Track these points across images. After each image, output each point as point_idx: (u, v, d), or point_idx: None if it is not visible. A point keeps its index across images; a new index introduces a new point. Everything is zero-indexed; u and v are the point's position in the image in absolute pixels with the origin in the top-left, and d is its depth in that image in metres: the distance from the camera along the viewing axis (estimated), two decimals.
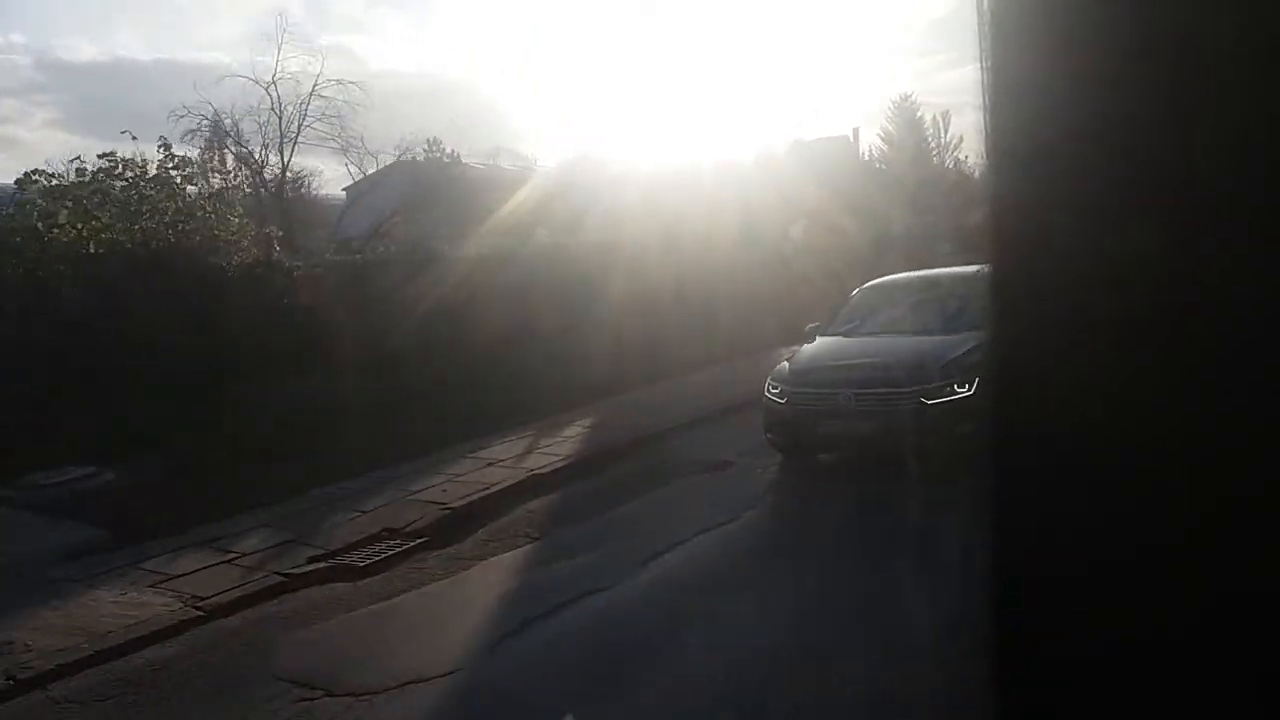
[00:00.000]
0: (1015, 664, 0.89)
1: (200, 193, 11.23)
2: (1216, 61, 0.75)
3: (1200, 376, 0.78)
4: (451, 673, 4.37)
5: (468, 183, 28.34)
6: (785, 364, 7.02)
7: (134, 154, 11.02)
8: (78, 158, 10.61)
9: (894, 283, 8.16)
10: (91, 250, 10.08)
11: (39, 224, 9.70)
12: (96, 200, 10.44)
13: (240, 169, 19.88)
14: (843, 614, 4.59)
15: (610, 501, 6.81)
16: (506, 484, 7.13)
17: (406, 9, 57.64)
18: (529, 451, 8.14)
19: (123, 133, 11.25)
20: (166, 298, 9.75)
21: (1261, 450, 0.76)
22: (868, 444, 6.29)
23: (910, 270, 8.93)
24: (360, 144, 18.86)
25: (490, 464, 7.75)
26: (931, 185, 28.68)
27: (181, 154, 11.21)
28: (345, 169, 20.17)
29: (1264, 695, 0.78)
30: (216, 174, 22.02)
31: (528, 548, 6.04)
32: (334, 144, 18.30)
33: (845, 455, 6.49)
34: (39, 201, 10.10)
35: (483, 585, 5.50)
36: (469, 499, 6.84)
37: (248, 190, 23.23)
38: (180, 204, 10.61)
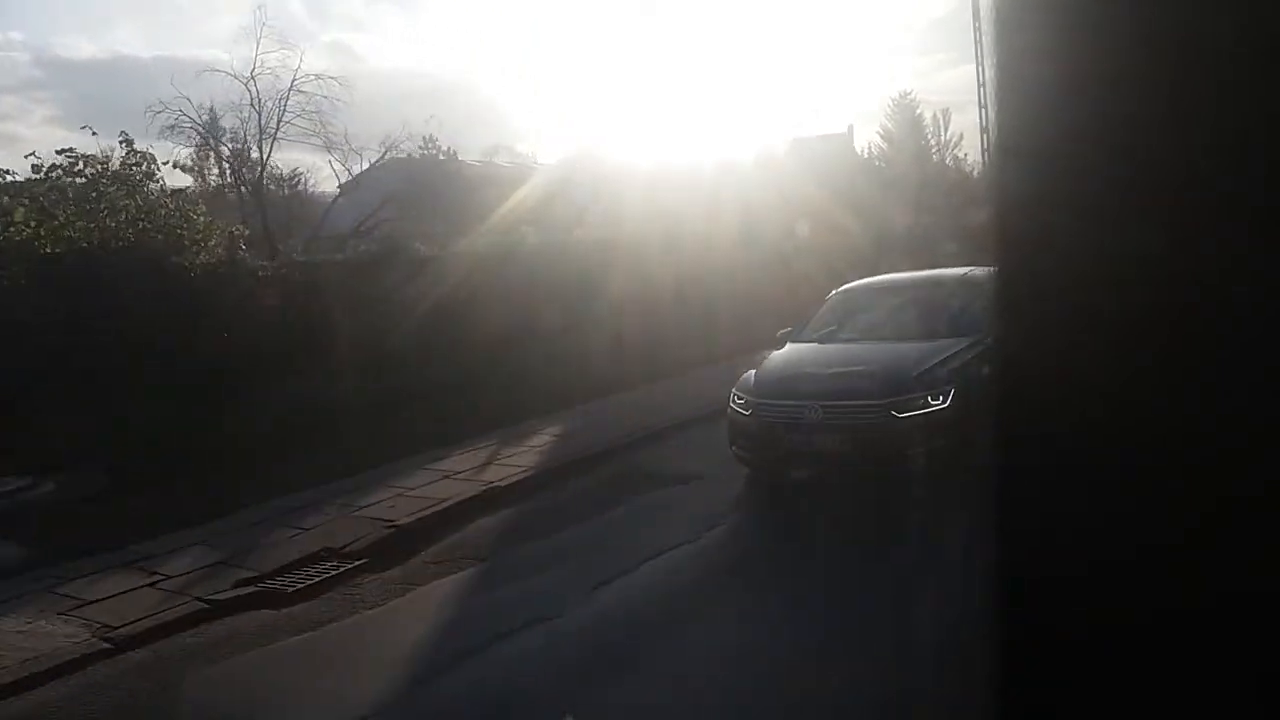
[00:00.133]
0: (1016, 663, 0.88)
1: (163, 189, 10.82)
2: (1217, 61, 0.75)
3: (1200, 376, 0.78)
4: (367, 717, 3.97)
5: (464, 180, 28.04)
6: (751, 373, 6.56)
7: (99, 150, 10.65)
8: (32, 153, 10.24)
9: (873, 286, 7.69)
10: (49, 250, 9.71)
11: None
12: (54, 197, 10.08)
13: (221, 164, 19.54)
14: (799, 654, 4.16)
15: (567, 519, 6.38)
16: (461, 498, 6.70)
17: (407, 7, 57.37)
18: (489, 462, 7.70)
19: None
20: (123, 300, 9.38)
21: (1262, 450, 0.75)
22: (835, 460, 5.80)
23: (913, 270, 8.57)
24: (345, 141, 18.36)
25: (447, 476, 7.32)
26: (933, 184, 28.36)
27: (143, 149, 10.80)
28: (342, 165, 19.62)
29: (1264, 695, 0.77)
30: (214, 171, 21.92)
31: (472, 571, 5.61)
32: (316, 140, 17.75)
33: (813, 471, 6.04)
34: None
35: (417, 614, 5.08)
36: (418, 515, 6.42)
37: (230, 189, 23.04)
38: (139, 201, 10.20)
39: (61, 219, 9.95)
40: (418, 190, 24.68)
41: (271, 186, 27.13)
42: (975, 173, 24.76)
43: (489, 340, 11.31)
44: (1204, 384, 0.78)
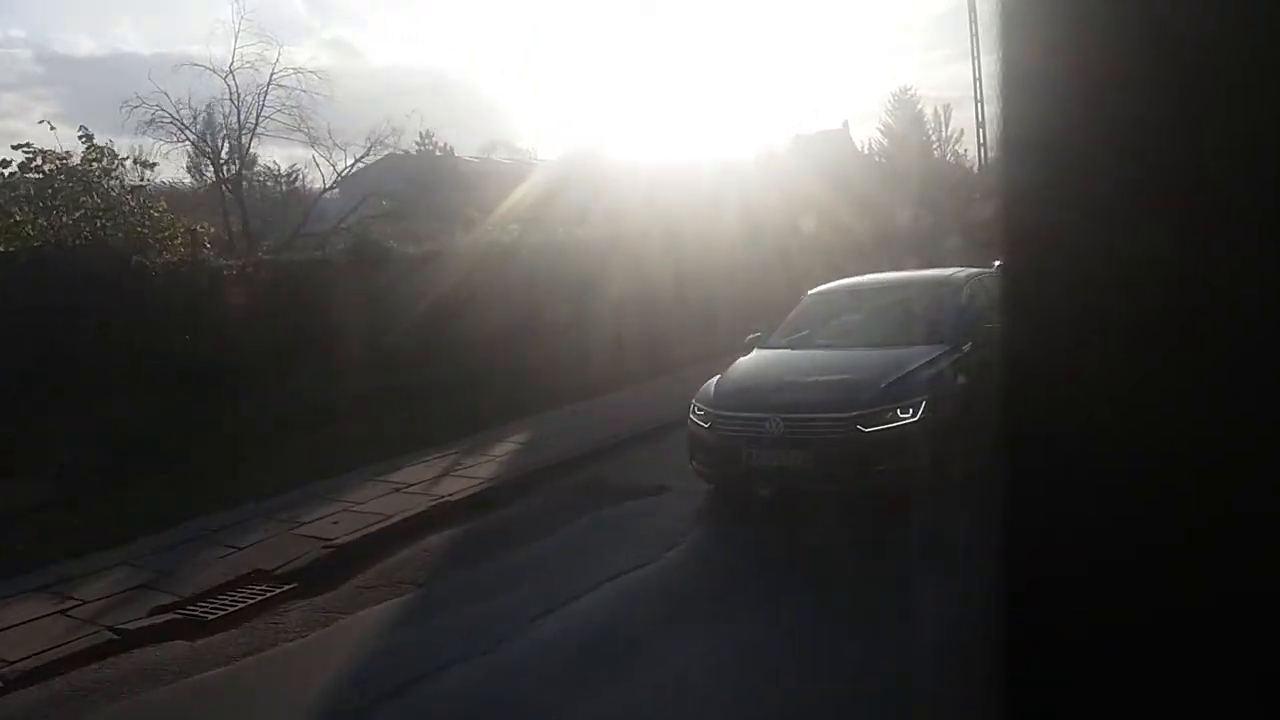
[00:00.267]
0: (1018, 663, 0.87)
1: (123, 185, 10.42)
2: (1226, 64, 0.74)
3: (1209, 378, 0.78)
4: None
5: (460, 177, 27.69)
6: (712, 381, 6.09)
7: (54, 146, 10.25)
8: None
9: (847, 288, 7.20)
10: (4, 249, 9.34)
11: None
12: (8, 195, 9.71)
13: (203, 160, 19.13)
14: (750, 703, 3.74)
15: (519, 537, 5.95)
16: (408, 515, 6.26)
17: (409, 5, 57.03)
18: (446, 473, 7.27)
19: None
20: (80, 300, 8.99)
21: (1270, 453, 0.75)
22: (797, 478, 5.33)
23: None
24: (329, 136, 17.92)
25: (399, 489, 6.89)
26: (935, 179, 28.05)
27: (104, 144, 10.41)
28: (327, 161, 19.18)
29: (1264, 695, 0.77)
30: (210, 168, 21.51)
31: (407, 598, 5.18)
32: (299, 136, 17.31)
33: (774, 490, 5.57)
34: None
35: (341, 648, 4.65)
36: (360, 534, 5.99)
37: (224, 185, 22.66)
38: (96, 199, 9.81)
39: (19, 217, 9.59)
40: (412, 187, 24.32)
41: (269, 184, 26.81)
42: (974, 168, 24.35)
43: (471, 340, 10.90)
44: (1212, 386, 0.77)
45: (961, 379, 5.49)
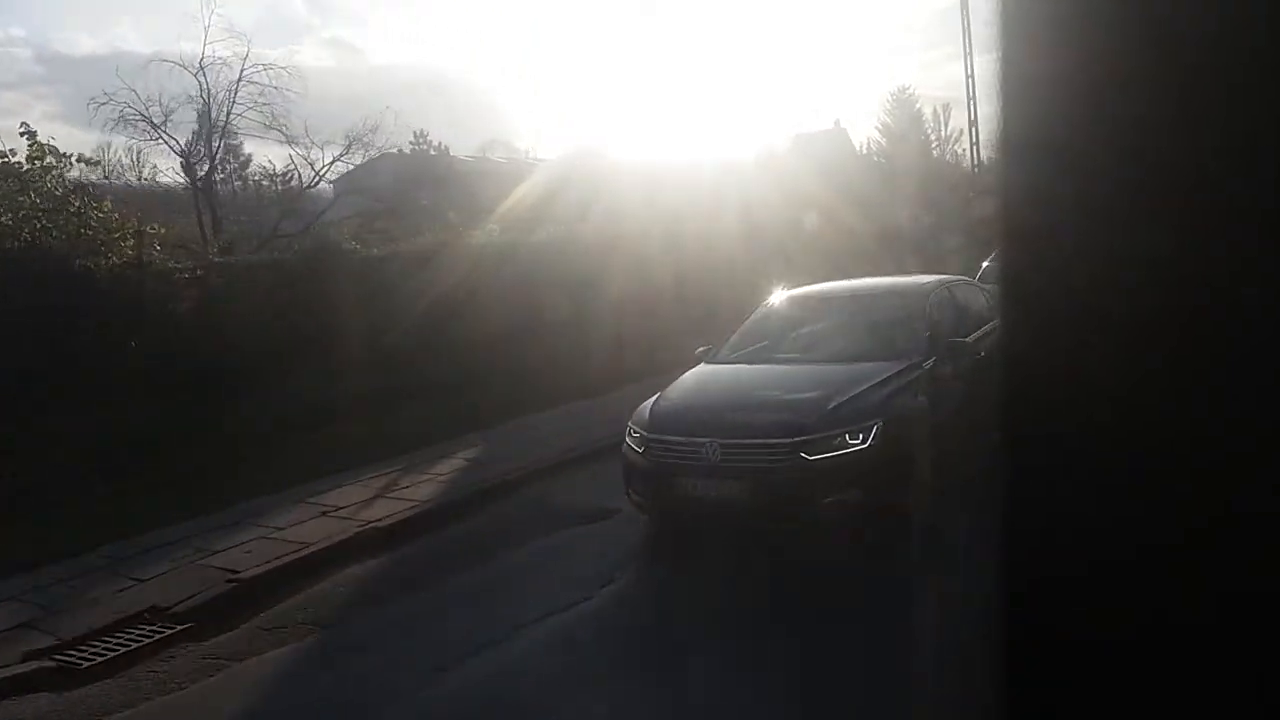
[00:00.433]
0: (1018, 663, 0.87)
1: (65, 183, 9.94)
2: (1226, 64, 0.74)
3: (1209, 379, 0.77)
4: None
5: (456, 176, 27.28)
6: (649, 402, 5.47)
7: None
8: None
9: (808, 296, 6.63)
10: None
11: None
12: None
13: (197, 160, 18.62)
14: None
15: (445, 569, 5.42)
16: (328, 543, 5.75)
17: (408, 6, 56.64)
18: (380, 495, 6.74)
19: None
20: (11, 305, 8.53)
21: (1270, 453, 0.74)
22: (734, 512, 4.75)
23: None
24: (306, 135, 17.41)
25: (326, 512, 6.37)
26: (935, 179, 27.80)
27: (47, 140, 9.92)
28: (304, 159, 18.65)
29: (1264, 695, 0.76)
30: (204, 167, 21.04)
31: (309, 641, 4.67)
32: (274, 135, 16.80)
33: (711, 524, 5.02)
34: None
35: (220, 703, 4.15)
36: (272, 565, 5.48)
37: (225, 184, 22.22)
38: (33, 198, 9.34)
39: None
40: (403, 186, 23.90)
41: (264, 183, 26.36)
42: (972, 167, 24.01)
43: (469, 341, 10.44)
44: (1212, 386, 0.77)
45: (922, 398, 4.97)
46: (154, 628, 4.85)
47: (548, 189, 17.58)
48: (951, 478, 4.81)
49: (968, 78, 21.78)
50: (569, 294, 11.64)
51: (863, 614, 4.08)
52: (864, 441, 4.51)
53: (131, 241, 9.95)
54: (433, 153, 34.69)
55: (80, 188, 10.07)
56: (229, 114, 15.67)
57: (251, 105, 15.72)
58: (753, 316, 6.44)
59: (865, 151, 33.84)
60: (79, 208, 9.76)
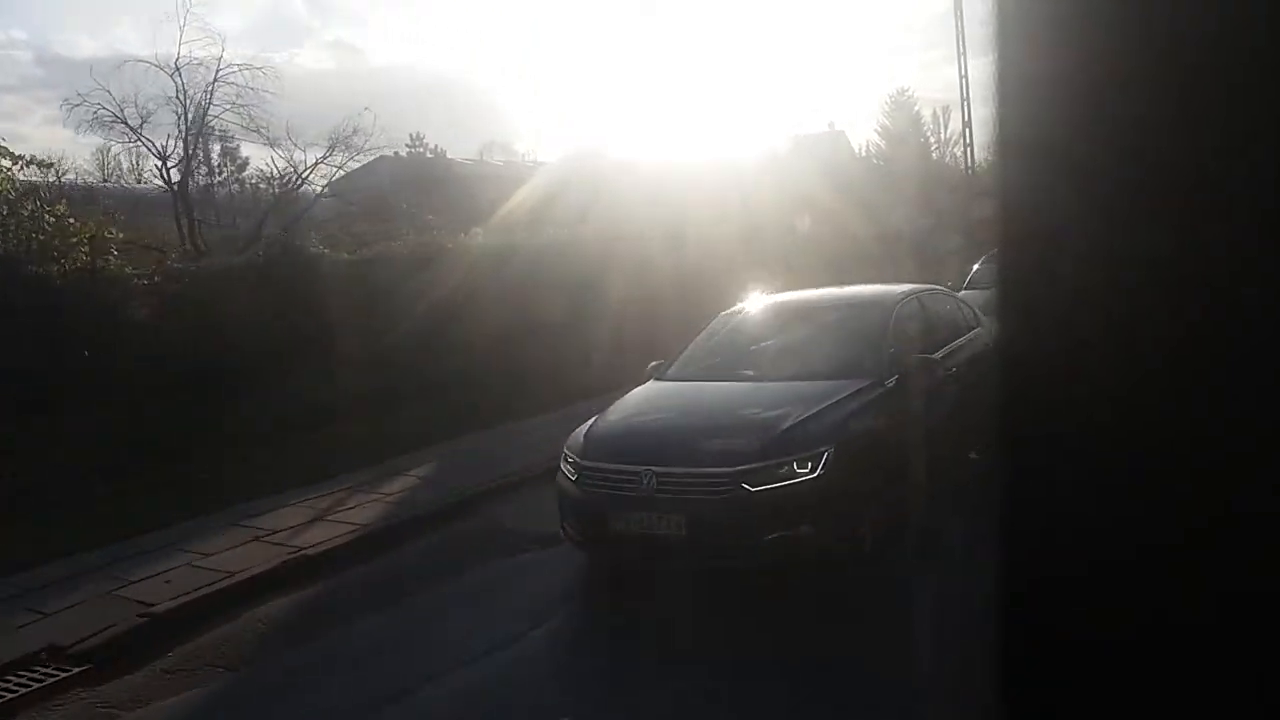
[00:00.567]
0: (1018, 663, 0.87)
1: (15, 186, 9.55)
2: (1226, 64, 0.73)
3: (1209, 379, 0.77)
4: None
5: (455, 179, 26.94)
6: (585, 425, 5.01)
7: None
8: None
9: (770, 307, 6.22)
10: None
11: None
12: None
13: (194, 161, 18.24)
14: None
15: (377, 602, 5.04)
16: (252, 573, 5.35)
17: (408, 6, 56.40)
18: (320, 517, 6.35)
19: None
20: None
21: (1270, 453, 0.74)
22: (670, 548, 4.27)
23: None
24: (287, 136, 17.02)
25: (258, 537, 5.97)
26: (934, 180, 27.49)
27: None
28: (285, 160, 18.26)
29: (1264, 695, 0.76)
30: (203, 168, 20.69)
31: (214, 687, 4.27)
32: (257, 135, 16.40)
33: (645, 561, 4.53)
34: None
35: None
36: (189, 597, 5.09)
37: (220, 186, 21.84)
38: None
39: None
40: (398, 188, 23.52)
41: (262, 185, 26.02)
42: (967, 169, 23.67)
43: (471, 343, 10.15)
44: (1212, 386, 0.76)
45: (881, 421, 4.54)
46: (47, 670, 4.45)
47: (547, 192, 17.33)
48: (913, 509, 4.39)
49: (961, 78, 21.42)
50: (569, 296, 11.43)
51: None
52: (813, 470, 4.09)
53: (86, 247, 9.58)
54: (429, 155, 34.40)
55: (33, 190, 9.68)
56: (204, 115, 15.24)
57: (228, 106, 15.30)
58: (708, 329, 5.98)
59: (864, 154, 33.52)
60: (31, 211, 9.38)
